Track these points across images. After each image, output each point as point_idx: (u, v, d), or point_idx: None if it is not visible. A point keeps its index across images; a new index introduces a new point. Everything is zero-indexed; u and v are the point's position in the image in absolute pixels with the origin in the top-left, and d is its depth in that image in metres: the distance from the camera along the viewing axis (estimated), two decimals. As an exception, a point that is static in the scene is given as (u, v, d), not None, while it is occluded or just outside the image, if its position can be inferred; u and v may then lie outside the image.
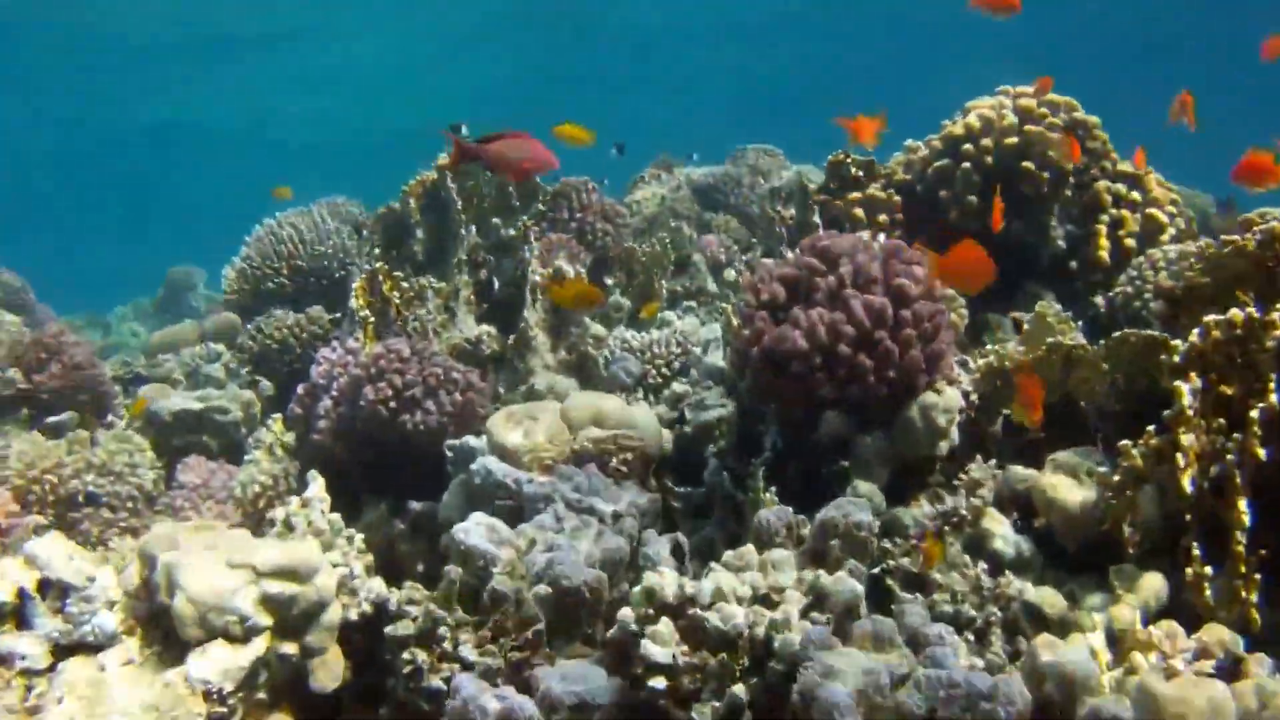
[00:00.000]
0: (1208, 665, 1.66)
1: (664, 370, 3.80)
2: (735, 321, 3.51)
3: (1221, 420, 2.12)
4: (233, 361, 4.78)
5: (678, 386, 3.57)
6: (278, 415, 3.95)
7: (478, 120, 3.75)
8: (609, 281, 5.01)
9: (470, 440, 3.07)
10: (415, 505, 3.22)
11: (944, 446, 2.71)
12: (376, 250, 4.14)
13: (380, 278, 3.82)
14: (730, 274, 6.38)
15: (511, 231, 4.05)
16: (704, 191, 7.19)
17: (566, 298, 3.48)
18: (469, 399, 3.35)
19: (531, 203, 4.95)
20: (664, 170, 7.25)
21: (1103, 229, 3.67)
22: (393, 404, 3.23)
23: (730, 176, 7.27)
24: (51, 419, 4.43)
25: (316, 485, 2.46)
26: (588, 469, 2.96)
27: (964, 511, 2.50)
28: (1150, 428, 2.21)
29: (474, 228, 4.21)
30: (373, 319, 3.74)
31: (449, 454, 3.16)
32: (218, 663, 1.75)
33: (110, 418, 4.60)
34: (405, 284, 3.90)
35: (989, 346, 3.11)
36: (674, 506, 3.18)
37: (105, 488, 3.32)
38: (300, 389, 3.58)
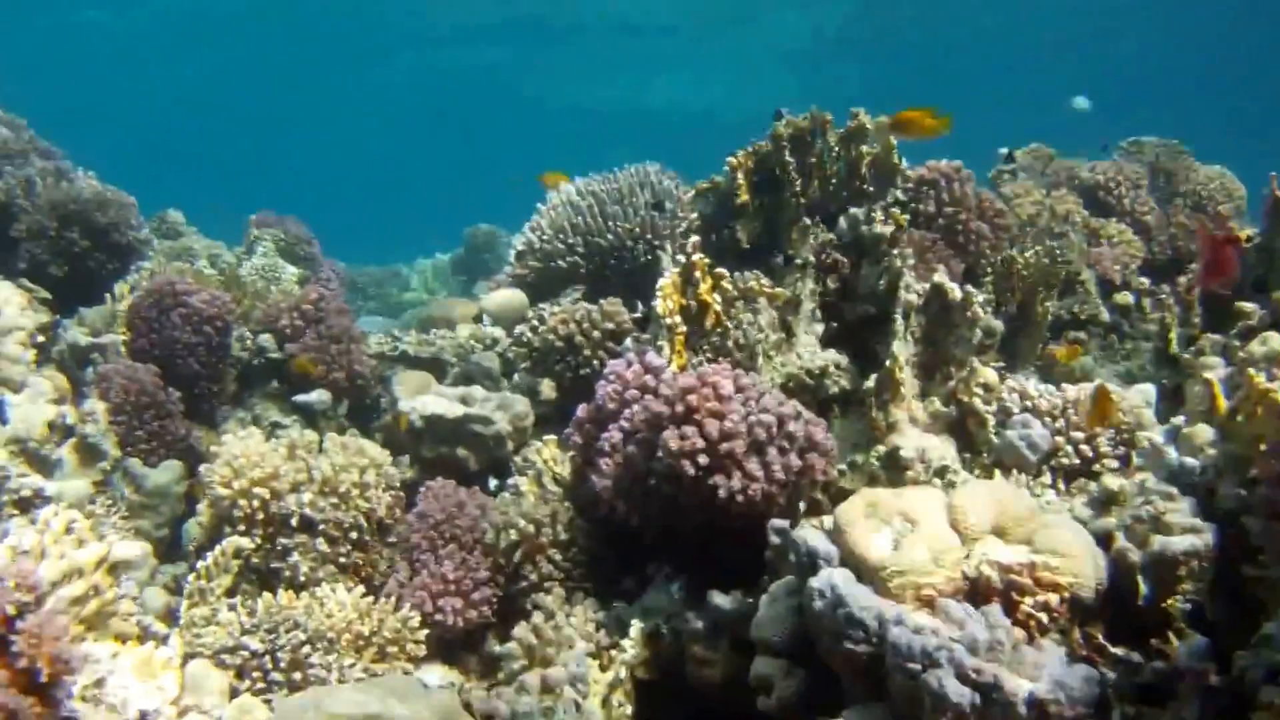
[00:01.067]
0: None
1: (1085, 449, 2.63)
2: (1219, 394, 2.36)
3: None
4: (509, 352, 4.07)
5: (1113, 482, 2.40)
6: (552, 437, 3.18)
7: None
8: (979, 297, 3.84)
9: (810, 536, 2.09)
10: (721, 600, 2.31)
11: None
12: (694, 235, 3.24)
13: (697, 273, 2.91)
14: (1124, 298, 5.02)
15: (877, 228, 2.99)
16: (1089, 191, 5.79)
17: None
18: (809, 463, 2.37)
19: (888, 187, 3.85)
20: (1042, 162, 5.93)
21: None
22: (701, 459, 2.30)
23: (1125, 175, 5.81)
24: (301, 397, 3.91)
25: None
26: (988, 613, 1.93)
27: None
28: None
29: (820, 218, 3.20)
30: (684, 328, 2.84)
31: (774, 538, 2.21)
32: None
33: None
34: (728, 284, 2.96)
35: None
36: (1107, 679, 2.07)
37: (325, 513, 2.65)
38: (582, 411, 2.74)
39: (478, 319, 4.63)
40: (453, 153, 37.91)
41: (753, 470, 2.31)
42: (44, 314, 4.50)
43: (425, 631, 2.59)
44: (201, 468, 2.89)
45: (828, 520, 2.20)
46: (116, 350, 4.00)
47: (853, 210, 3.12)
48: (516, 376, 3.82)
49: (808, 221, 3.16)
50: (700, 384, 2.36)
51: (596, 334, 3.64)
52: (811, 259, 3.01)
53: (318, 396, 3.92)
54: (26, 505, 3.06)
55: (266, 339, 4.01)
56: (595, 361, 3.65)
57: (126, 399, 3.61)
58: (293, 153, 36.39)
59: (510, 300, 4.38)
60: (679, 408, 2.35)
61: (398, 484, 3.00)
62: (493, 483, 3.19)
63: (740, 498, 2.30)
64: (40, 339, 4.40)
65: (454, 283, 10.30)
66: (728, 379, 2.39)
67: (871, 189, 3.52)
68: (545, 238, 4.51)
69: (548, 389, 3.60)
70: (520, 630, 2.44)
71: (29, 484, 3.03)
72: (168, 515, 3.51)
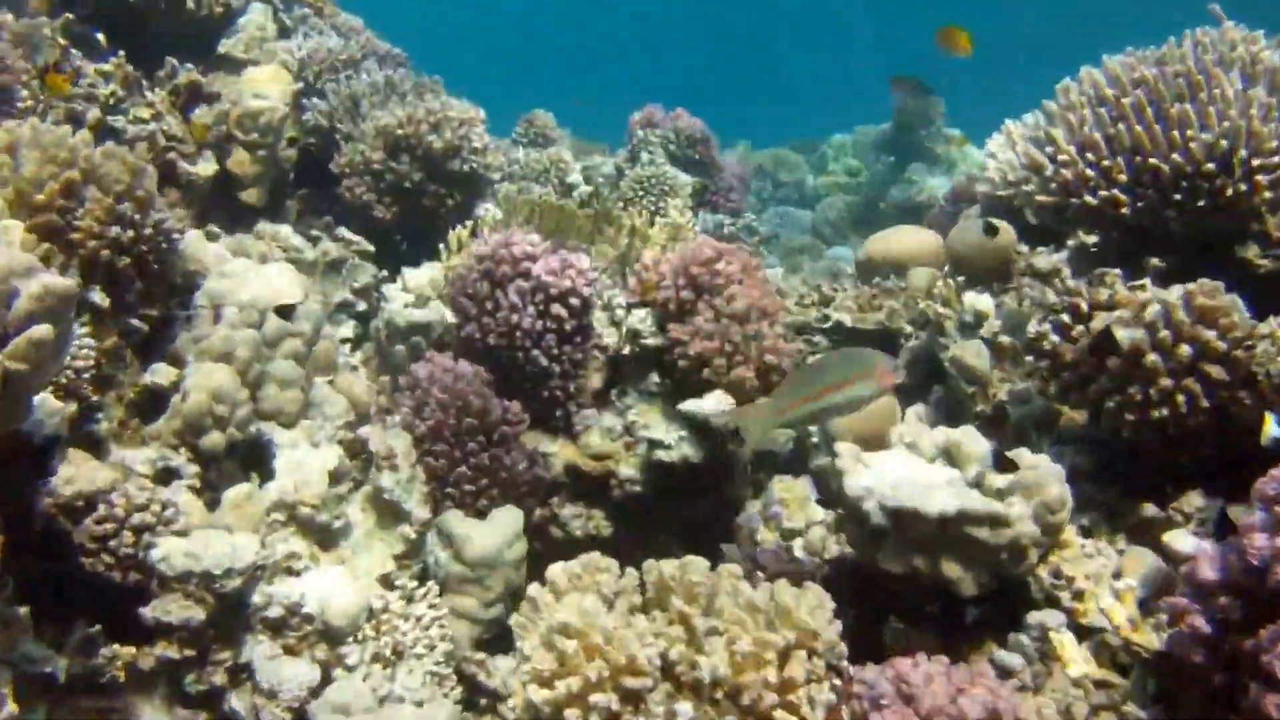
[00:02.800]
0: None
1: None
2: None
3: None
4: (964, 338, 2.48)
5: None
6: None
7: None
8: None
9: None
10: None
11: None
12: None
13: None
14: None
15: None
16: None
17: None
18: None
19: None
20: None
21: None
22: None
23: None
24: (691, 404, 2.57)
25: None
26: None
27: None
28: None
29: None
30: None
31: None
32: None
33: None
34: None
35: None
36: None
37: None
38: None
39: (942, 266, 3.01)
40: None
41: None
42: (365, 273, 3.55)
43: None
44: (519, 643, 1.64)
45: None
46: (442, 332, 2.93)
47: None
48: (1006, 398, 2.21)
49: None
50: None
51: (1185, 350, 1.93)
52: None
53: (715, 405, 2.57)
54: (280, 626, 2.04)
55: (640, 318, 2.71)
56: (1180, 400, 1.97)
57: (445, 420, 2.50)
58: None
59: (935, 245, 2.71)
60: None
61: (842, 664, 1.57)
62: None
63: None
64: (360, 306, 3.46)
65: (880, 167, 8.58)
66: None
67: None
68: (1059, 155, 2.75)
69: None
70: None
71: (283, 597, 2.00)
72: (498, 590, 2.39)
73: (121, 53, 2.97)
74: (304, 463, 2.23)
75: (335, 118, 3.95)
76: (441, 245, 3.36)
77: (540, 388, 2.72)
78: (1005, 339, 2.55)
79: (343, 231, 3.64)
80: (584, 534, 2.75)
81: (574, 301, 2.66)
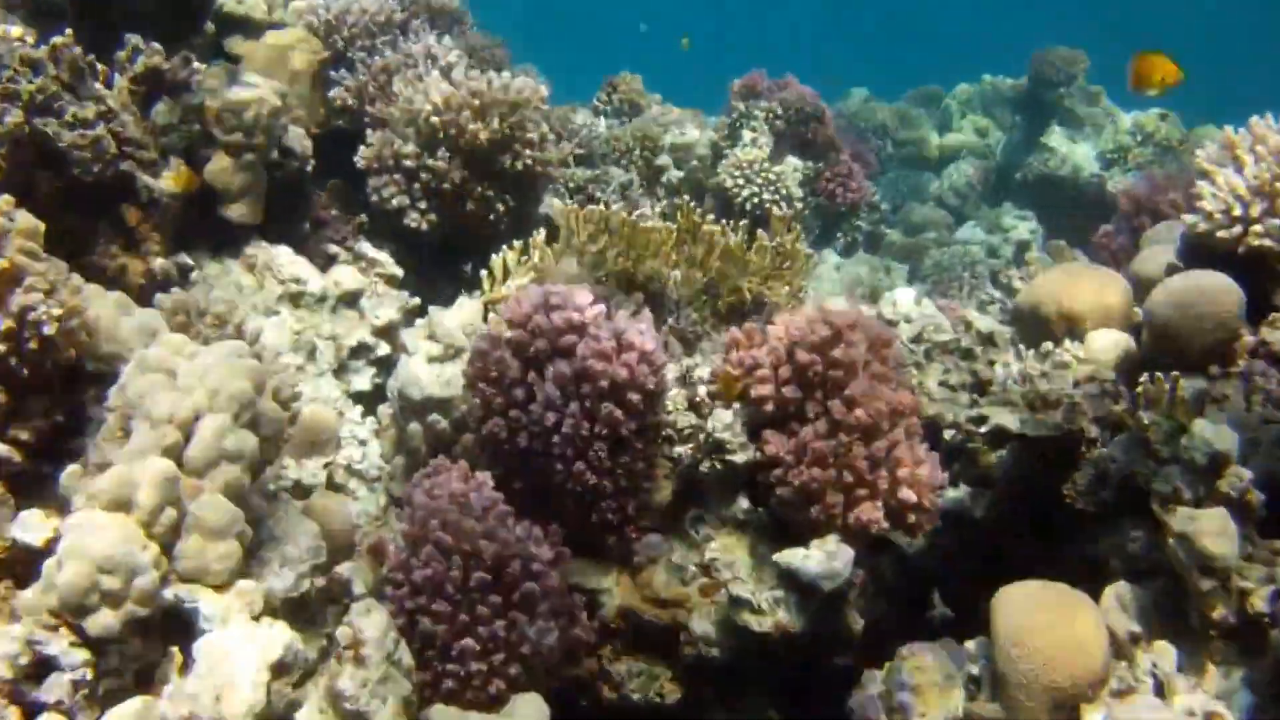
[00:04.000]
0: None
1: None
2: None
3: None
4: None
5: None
6: None
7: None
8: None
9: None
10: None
11: None
12: None
13: None
14: None
15: None
16: None
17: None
18: None
19: None
20: None
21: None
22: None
23: None
24: (793, 557, 1.77)
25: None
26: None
27: None
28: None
29: None
30: None
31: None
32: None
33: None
34: None
35: None
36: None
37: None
38: None
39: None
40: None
41: None
42: (391, 305, 2.81)
43: None
44: None
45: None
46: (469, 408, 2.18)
47: None
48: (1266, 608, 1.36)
49: None
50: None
51: None
52: None
53: (825, 563, 1.76)
54: None
55: (725, 422, 1.91)
56: None
57: (446, 571, 1.76)
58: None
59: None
60: None
61: None
62: None
63: None
64: (381, 350, 2.74)
65: (1013, 129, 7.47)
66: None
67: None
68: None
69: None
70: None
71: None
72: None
73: (69, 30, 2.25)
74: (231, 654, 1.53)
75: (366, 96, 3.20)
76: (484, 271, 2.61)
77: (587, 509, 1.96)
78: (1256, 498, 1.68)
79: (365, 249, 2.91)
80: (643, 699, 2.01)
81: (633, 398, 1.87)
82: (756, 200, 3.81)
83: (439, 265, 3.14)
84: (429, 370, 2.41)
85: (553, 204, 3.36)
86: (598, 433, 1.88)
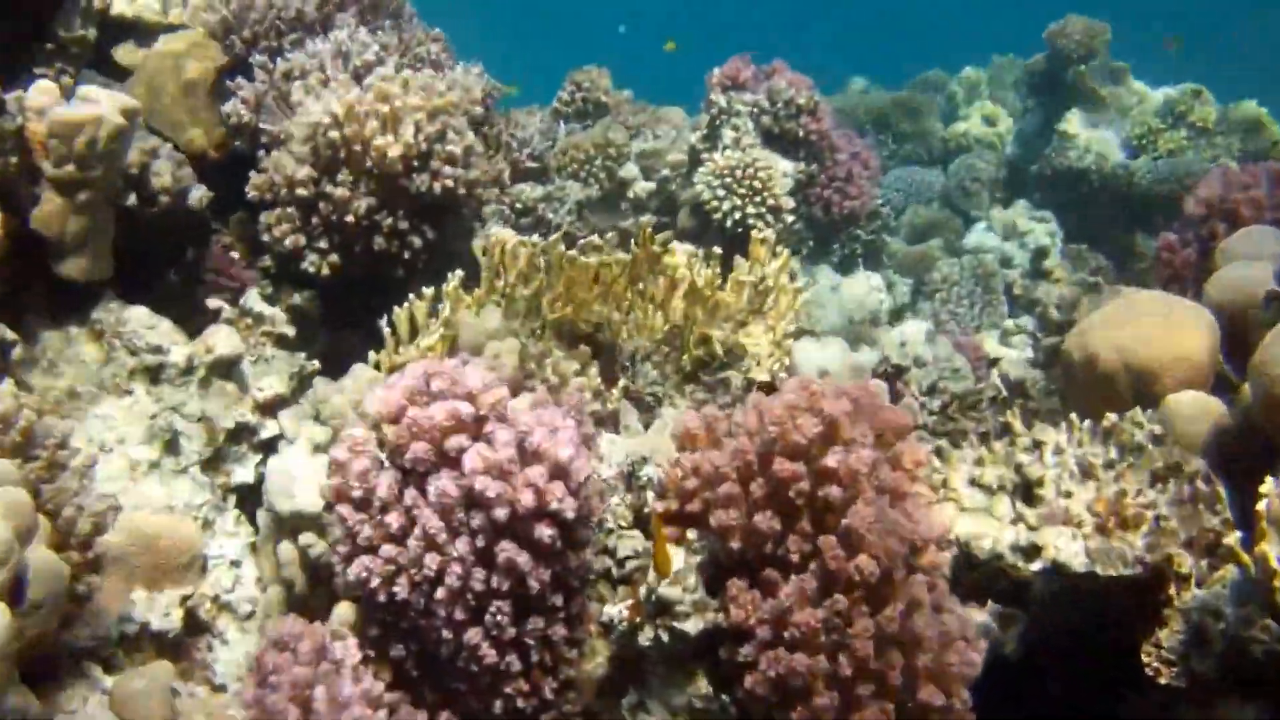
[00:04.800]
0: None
1: None
2: None
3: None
4: None
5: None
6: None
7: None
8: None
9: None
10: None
11: None
12: None
13: None
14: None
15: None
16: None
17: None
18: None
19: None
20: None
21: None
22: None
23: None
24: None
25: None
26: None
27: None
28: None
29: None
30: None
31: None
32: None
33: None
34: None
35: None
36: None
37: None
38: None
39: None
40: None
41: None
42: (281, 374, 2.25)
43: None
44: None
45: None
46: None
47: None
48: None
49: None
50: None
51: None
52: None
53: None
54: None
55: (676, 574, 1.34)
56: None
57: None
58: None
59: None
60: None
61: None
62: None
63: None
64: (266, 431, 2.18)
65: (1028, 115, 6.85)
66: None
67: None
68: None
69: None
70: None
71: None
72: None
73: None
74: None
75: (265, 109, 2.63)
76: (389, 327, 2.05)
77: (487, 694, 1.39)
78: None
79: (251, 302, 2.35)
80: None
81: (545, 533, 1.31)
82: (740, 215, 3.23)
83: (351, 317, 2.57)
84: (310, 467, 1.85)
85: (493, 235, 2.79)
86: (496, 587, 1.32)
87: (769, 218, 3.28)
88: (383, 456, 1.43)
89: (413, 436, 1.38)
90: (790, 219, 3.32)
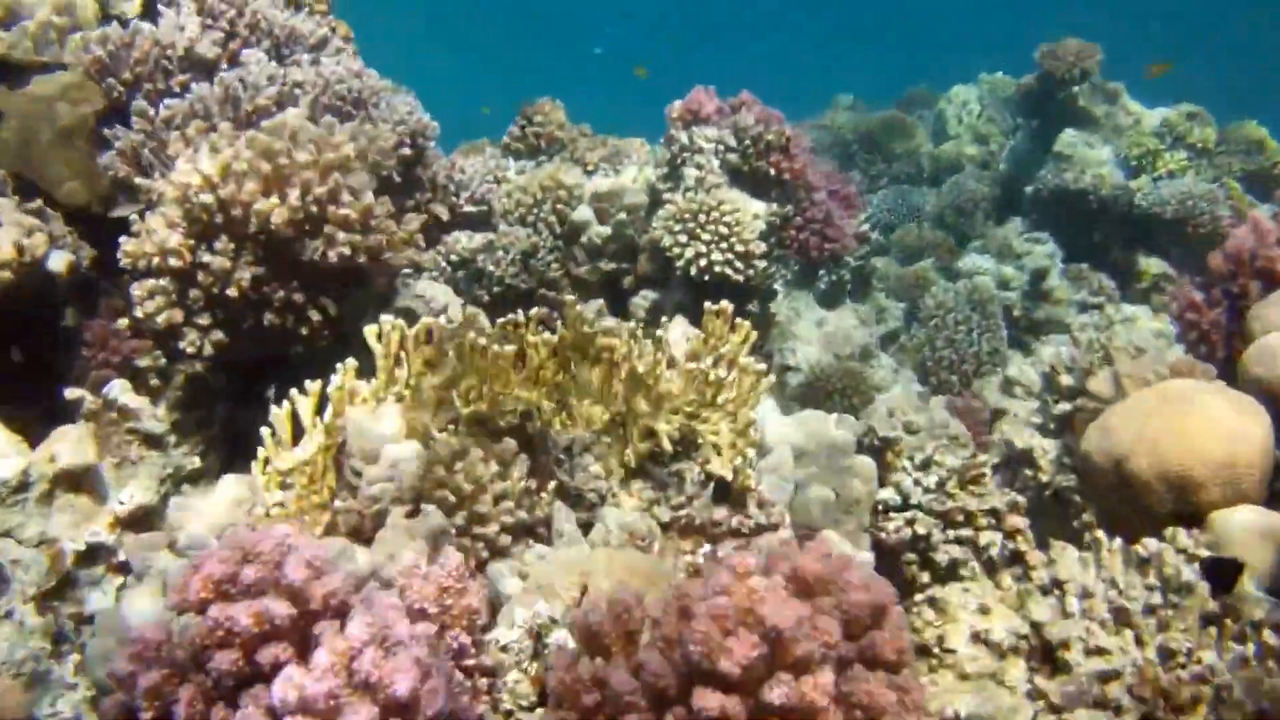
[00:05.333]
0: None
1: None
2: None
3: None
4: None
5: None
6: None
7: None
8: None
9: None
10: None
11: None
12: None
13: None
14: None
15: None
16: None
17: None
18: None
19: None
20: None
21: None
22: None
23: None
24: None
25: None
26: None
27: None
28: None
29: None
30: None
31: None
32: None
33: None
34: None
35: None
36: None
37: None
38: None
39: None
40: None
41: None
42: (146, 481, 1.88)
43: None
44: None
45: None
46: None
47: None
48: None
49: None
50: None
51: None
52: None
53: None
54: None
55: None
56: None
57: None
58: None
59: None
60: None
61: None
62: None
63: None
64: (121, 554, 1.81)
65: (1019, 133, 6.50)
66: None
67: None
68: None
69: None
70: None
71: None
72: None
73: None
74: None
75: (143, 162, 2.27)
76: (268, 431, 1.68)
77: None
78: None
79: (115, 393, 1.98)
80: None
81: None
82: (705, 262, 2.87)
83: (257, 386, 2.21)
84: (153, 615, 1.48)
85: (421, 294, 2.43)
86: None
87: (737, 264, 2.92)
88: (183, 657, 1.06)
89: (218, 644, 1.00)
90: (762, 264, 2.96)
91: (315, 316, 2.03)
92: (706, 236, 2.90)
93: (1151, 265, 5.29)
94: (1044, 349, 4.76)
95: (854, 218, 3.29)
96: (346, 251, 1.96)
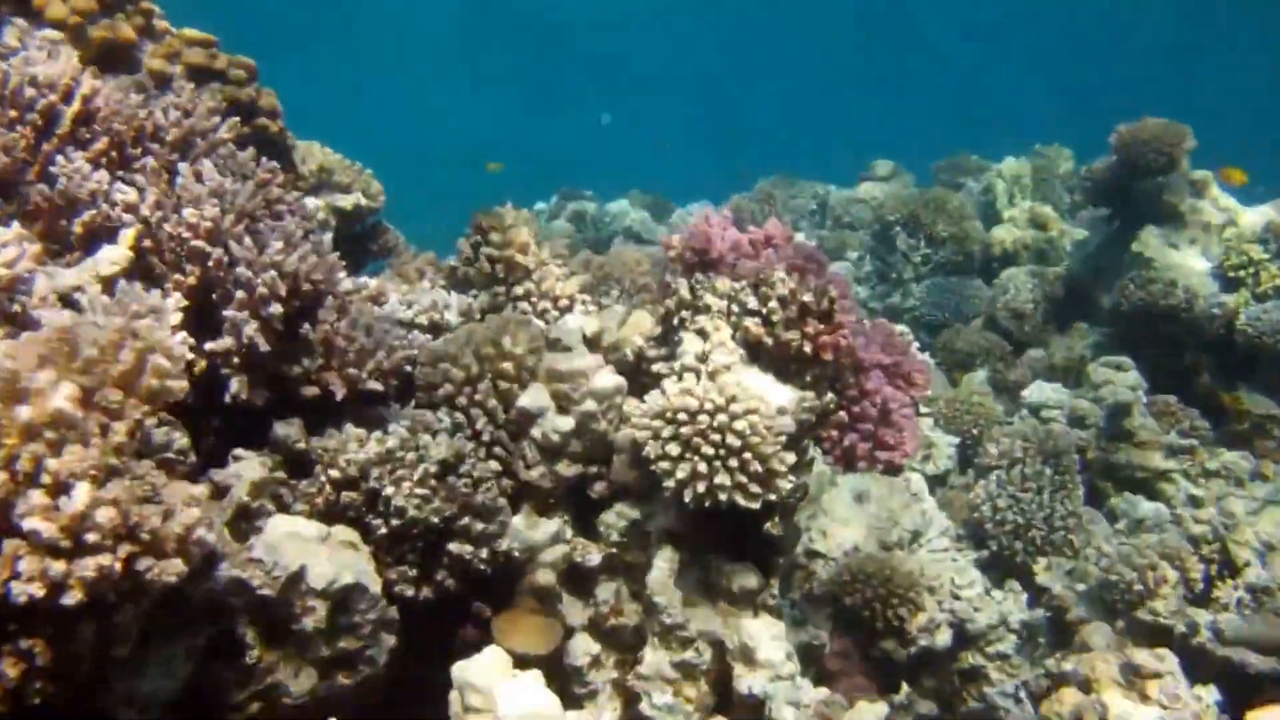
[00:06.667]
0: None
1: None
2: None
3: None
4: None
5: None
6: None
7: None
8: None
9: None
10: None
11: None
12: None
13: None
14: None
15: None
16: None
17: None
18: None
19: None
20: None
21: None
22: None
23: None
24: None
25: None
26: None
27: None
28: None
29: None
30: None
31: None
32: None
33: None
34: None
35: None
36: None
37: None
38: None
39: None
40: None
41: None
42: None
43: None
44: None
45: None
46: None
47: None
48: None
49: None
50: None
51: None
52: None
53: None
54: None
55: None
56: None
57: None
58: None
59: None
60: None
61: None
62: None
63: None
64: None
65: (1091, 225, 5.56)
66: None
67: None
68: None
69: None
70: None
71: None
72: None
73: None
74: None
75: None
76: None
77: None
78: None
79: None
80: None
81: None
82: (705, 486, 1.94)
83: None
84: None
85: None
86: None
87: (752, 487, 1.98)
88: None
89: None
90: (786, 485, 2.03)
91: None
92: (709, 450, 1.97)
93: (1257, 403, 4.32)
94: (1134, 507, 3.81)
95: (917, 404, 2.34)
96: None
